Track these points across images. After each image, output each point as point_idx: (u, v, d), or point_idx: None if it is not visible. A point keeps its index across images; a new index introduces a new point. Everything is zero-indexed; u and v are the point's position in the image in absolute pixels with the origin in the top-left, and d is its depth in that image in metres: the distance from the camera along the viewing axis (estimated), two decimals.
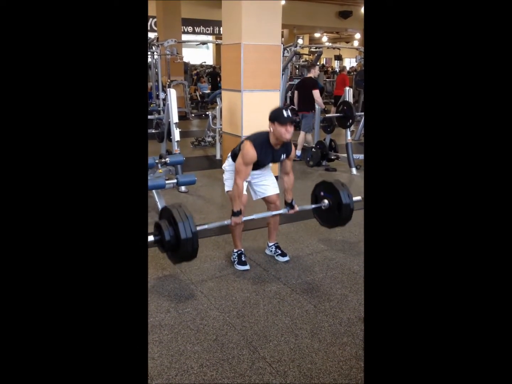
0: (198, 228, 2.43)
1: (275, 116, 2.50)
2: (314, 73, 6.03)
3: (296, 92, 6.23)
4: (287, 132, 2.49)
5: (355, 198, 2.99)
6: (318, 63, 7.26)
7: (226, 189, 2.82)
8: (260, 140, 2.59)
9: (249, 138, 2.61)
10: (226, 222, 2.71)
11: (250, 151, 2.53)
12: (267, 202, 2.88)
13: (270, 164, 2.81)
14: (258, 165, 2.66)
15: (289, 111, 2.52)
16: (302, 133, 6.09)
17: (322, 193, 3.02)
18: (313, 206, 3.05)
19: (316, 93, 5.75)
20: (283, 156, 2.69)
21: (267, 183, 2.85)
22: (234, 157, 2.69)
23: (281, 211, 2.86)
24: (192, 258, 2.44)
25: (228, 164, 2.78)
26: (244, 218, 2.70)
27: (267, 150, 2.60)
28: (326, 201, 2.98)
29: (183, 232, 2.27)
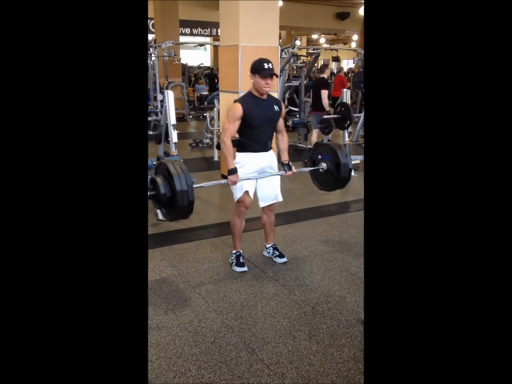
0: (194, 186, 2.33)
1: (256, 68, 2.50)
2: (326, 73, 6.12)
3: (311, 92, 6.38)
4: (266, 84, 2.49)
5: (353, 161, 2.91)
6: (316, 64, 7.28)
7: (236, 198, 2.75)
8: (243, 96, 2.60)
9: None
10: (223, 181, 2.66)
11: (234, 106, 2.53)
12: (263, 207, 2.87)
13: (274, 156, 2.77)
14: (255, 128, 2.58)
15: (270, 64, 2.50)
16: (315, 131, 6.12)
17: (319, 156, 2.95)
18: (311, 168, 3.00)
19: (323, 93, 5.82)
20: (275, 108, 2.64)
21: (270, 187, 2.77)
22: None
23: (279, 173, 2.77)
24: (188, 213, 2.32)
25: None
26: (241, 177, 2.59)
27: (254, 101, 2.56)
28: (324, 164, 2.92)
29: (178, 184, 2.19)
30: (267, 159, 2.72)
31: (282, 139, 2.80)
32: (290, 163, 2.78)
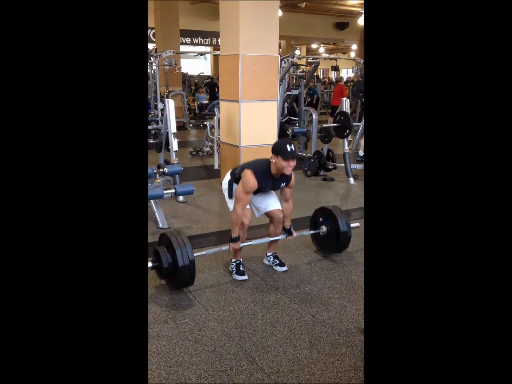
0: (196, 254, 2.51)
1: (279, 150, 2.52)
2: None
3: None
4: (289, 166, 2.53)
5: (352, 225, 3.05)
6: (315, 74, 7.33)
7: (230, 207, 2.82)
8: (261, 169, 2.62)
9: (249, 166, 2.63)
10: (224, 248, 2.77)
11: (250, 180, 2.56)
12: (270, 216, 2.89)
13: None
14: (258, 191, 2.70)
15: (293, 146, 2.53)
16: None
17: (321, 219, 3.10)
18: (312, 232, 3.14)
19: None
20: (282, 184, 2.73)
21: (268, 199, 2.86)
22: (233, 178, 2.73)
23: (279, 237, 2.92)
24: (190, 284, 2.54)
25: (225, 183, 2.81)
26: (242, 244, 2.77)
27: (267, 179, 2.63)
28: (324, 228, 3.08)
29: (180, 259, 2.38)
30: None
31: (287, 207, 2.86)
32: (292, 229, 2.92)
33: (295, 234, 2.92)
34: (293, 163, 2.54)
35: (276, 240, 3.00)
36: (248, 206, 2.74)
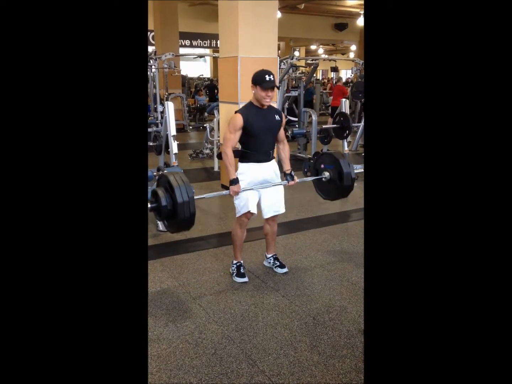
0: (196, 197, 2.34)
1: (258, 80, 2.52)
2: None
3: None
4: (267, 96, 2.52)
5: (356, 170, 2.93)
6: (314, 75, 7.34)
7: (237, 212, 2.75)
8: (244, 106, 2.62)
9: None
10: (224, 192, 2.67)
11: (234, 116, 2.54)
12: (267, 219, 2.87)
13: (276, 166, 2.76)
14: (255, 138, 2.59)
15: (272, 75, 2.52)
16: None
17: (322, 165, 2.95)
18: (314, 178, 3.00)
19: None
20: (277, 117, 2.66)
21: (273, 198, 2.77)
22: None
23: (282, 183, 2.78)
24: (190, 225, 2.33)
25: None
26: (243, 189, 2.59)
27: (254, 111, 2.58)
28: (326, 173, 2.92)
29: (179, 196, 2.21)
30: (270, 170, 2.73)
31: (283, 149, 2.81)
32: (293, 173, 2.80)
33: (296, 179, 2.82)
34: (271, 93, 2.52)
35: (274, 240, 2.99)
36: (255, 212, 2.69)
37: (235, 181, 2.57)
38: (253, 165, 2.65)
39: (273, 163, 2.75)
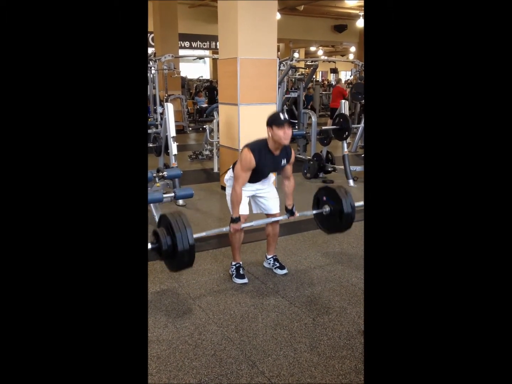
0: (196, 235, 2.41)
1: (272, 120, 2.52)
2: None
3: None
4: (285, 134, 2.51)
5: (357, 204, 2.94)
6: (314, 76, 7.35)
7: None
8: (258, 146, 2.60)
9: (247, 145, 2.62)
10: (224, 229, 2.70)
11: (248, 156, 2.54)
12: (268, 215, 2.89)
13: (272, 178, 2.82)
14: (258, 174, 2.65)
15: (285, 114, 2.55)
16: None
17: (324, 198, 2.98)
18: (314, 211, 3.02)
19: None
20: (283, 162, 2.69)
21: (269, 198, 2.83)
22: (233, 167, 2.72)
23: (281, 218, 2.85)
24: (189, 267, 2.42)
25: (229, 177, 2.78)
26: (243, 225, 2.69)
27: (266, 155, 2.59)
28: (327, 207, 2.95)
29: (180, 243, 2.26)
30: (264, 181, 2.80)
31: (288, 185, 2.84)
32: (294, 209, 2.86)
33: (297, 214, 2.86)
34: (288, 131, 2.52)
35: (276, 241, 2.99)
36: (246, 212, 2.72)
37: (237, 220, 2.63)
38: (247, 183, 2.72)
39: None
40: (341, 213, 2.87)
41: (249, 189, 2.75)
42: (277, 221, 2.89)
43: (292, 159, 2.75)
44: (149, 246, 2.38)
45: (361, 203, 2.95)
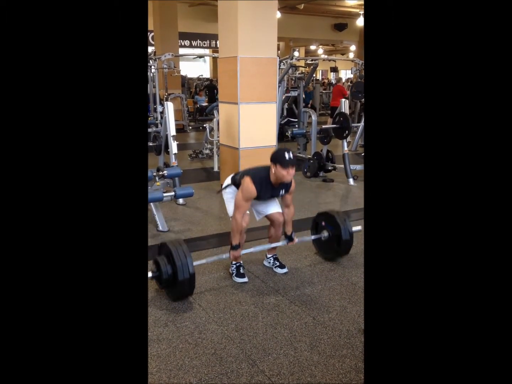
0: (196, 263, 2.52)
1: (277, 159, 2.51)
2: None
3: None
4: (288, 174, 2.52)
5: (354, 229, 3.02)
6: (314, 75, 7.35)
7: (230, 213, 2.83)
8: (260, 177, 2.61)
9: (249, 173, 2.63)
10: (224, 256, 2.75)
11: (249, 187, 2.56)
12: (270, 220, 2.89)
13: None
14: (257, 198, 2.70)
15: (291, 154, 2.52)
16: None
17: (323, 223, 3.09)
18: (313, 237, 3.13)
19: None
20: (282, 192, 2.72)
21: (268, 202, 2.85)
22: (233, 183, 2.76)
23: (279, 243, 2.92)
24: (189, 295, 2.56)
25: (228, 191, 2.81)
26: (243, 252, 2.75)
27: (266, 187, 2.62)
28: (326, 233, 3.06)
29: (180, 273, 2.39)
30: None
31: (288, 213, 2.86)
32: (293, 235, 2.89)
33: (296, 240, 2.91)
34: (292, 171, 2.53)
35: (278, 241, 2.99)
36: (247, 212, 2.74)
37: (237, 247, 2.68)
38: None
39: None
40: (339, 239, 2.96)
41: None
42: (279, 225, 2.89)
43: (292, 188, 2.77)
44: (150, 274, 2.50)
45: (359, 227, 3.05)
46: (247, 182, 2.57)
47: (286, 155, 2.49)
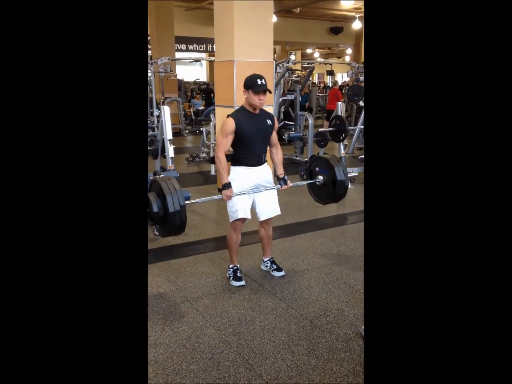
0: (187, 202, 2.41)
1: (249, 84, 2.53)
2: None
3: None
4: (260, 100, 2.54)
5: (350, 174, 2.93)
6: (310, 78, 7.37)
7: (230, 213, 2.75)
8: (236, 111, 2.63)
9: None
10: (217, 197, 2.68)
11: (226, 120, 2.56)
12: (262, 221, 2.86)
13: (268, 173, 2.77)
14: (248, 142, 2.60)
15: (263, 79, 2.53)
16: None
17: (317, 169, 2.98)
18: (308, 182, 3.02)
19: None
20: (269, 121, 2.67)
21: (267, 198, 2.77)
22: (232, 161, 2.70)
23: (275, 187, 2.79)
24: (181, 232, 2.39)
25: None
26: (235, 194, 2.61)
27: (246, 116, 2.59)
28: (321, 177, 2.94)
29: (171, 205, 2.26)
30: (262, 174, 2.73)
31: (276, 153, 2.82)
32: (286, 177, 2.80)
33: (290, 183, 2.81)
34: (263, 97, 2.54)
35: (270, 244, 2.98)
36: (248, 216, 2.69)
37: (227, 185, 2.58)
38: (244, 169, 2.67)
39: (266, 167, 2.76)
40: (335, 182, 2.84)
41: (249, 179, 2.67)
42: (269, 223, 2.87)
43: (276, 123, 2.75)
44: None
45: (355, 172, 2.93)
46: (225, 119, 2.58)
47: (258, 81, 2.51)
